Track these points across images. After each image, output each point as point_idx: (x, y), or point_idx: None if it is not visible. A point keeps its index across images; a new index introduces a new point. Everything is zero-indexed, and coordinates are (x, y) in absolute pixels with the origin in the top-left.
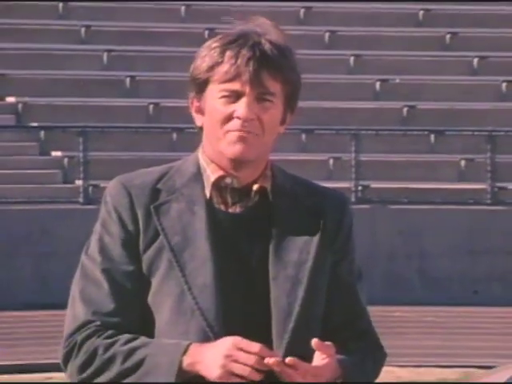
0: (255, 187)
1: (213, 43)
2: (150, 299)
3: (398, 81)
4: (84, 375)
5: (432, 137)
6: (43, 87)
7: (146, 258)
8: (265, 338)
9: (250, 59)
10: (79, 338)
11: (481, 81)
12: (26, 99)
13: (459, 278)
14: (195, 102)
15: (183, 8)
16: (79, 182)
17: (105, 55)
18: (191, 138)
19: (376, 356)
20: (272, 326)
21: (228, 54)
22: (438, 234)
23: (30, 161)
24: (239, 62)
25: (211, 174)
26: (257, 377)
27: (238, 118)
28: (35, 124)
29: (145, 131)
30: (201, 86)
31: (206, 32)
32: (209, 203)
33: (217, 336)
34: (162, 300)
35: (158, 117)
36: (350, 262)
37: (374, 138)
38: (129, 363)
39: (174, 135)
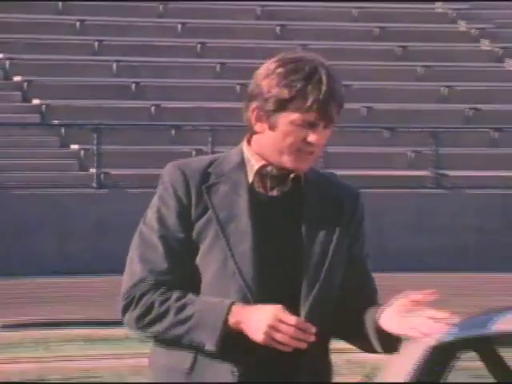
0: (292, 175)
1: (292, 75)
2: (197, 262)
3: (358, 87)
4: (141, 324)
5: (386, 133)
6: (63, 91)
7: (196, 228)
8: (292, 299)
9: (325, 93)
10: (138, 293)
11: (426, 86)
12: (49, 101)
13: (409, 249)
14: (259, 112)
15: (179, 26)
16: (93, 170)
17: (114, 65)
18: (187, 134)
19: None
20: (300, 289)
21: (310, 88)
22: (392, 213)
23: (52, 153)
24: (319, 97)
25: (255, 163)
26: (293, 345)
27: (313, 144)
28: (56, 122)
29: (148, 128)
30: (274, 107)
31: (199, 46)
32: (250, 187)
33: (253, 295)
34: (208, 264)
35: (159, 116)
36: (361, 244)
37: (340, 133)
38: (180, 317)
39: (173, 131)
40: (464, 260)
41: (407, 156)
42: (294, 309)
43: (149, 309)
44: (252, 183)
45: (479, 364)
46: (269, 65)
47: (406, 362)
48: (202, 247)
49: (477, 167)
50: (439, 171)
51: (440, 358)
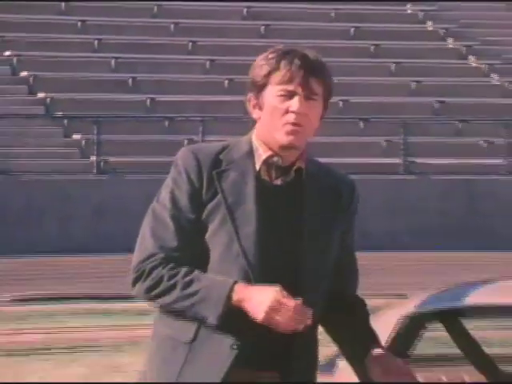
0: (295, 167)
1: (269, 55)
2: (205, 242)
3: (336, 81)
4: (149, 295)
5: (361, 123)
6: (66, 85)
7: (206, 210)
8: (291, 281)
9: (301, 66)
10: (148, 266)
11: (397, 81)
12: (53, 95)
13: (382, 230)
14: (253, 100)
15: (172, 25)
16: (93, 158)
17: (112, 61)
18: (180, 125)
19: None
20: (299, 272)
21: (283, 62)
22: (367, 197)
23: (56, 142)
24: (293, 68)
25: (263, 153)
26: (290, 327)
27: (293, 111)
28: (60, 114)
29: (143, 120)
30: (260, 87)
31: (190, 44)
32: (257, 175)
33: (255, 276)
34: (215, 244)
35: (154, 108)
36: (352, 233)
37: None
38: (186, 291)
39: (166, 122)
40: (430, 240)
41: (380, 145)
42: (292, 290)
43: (158, 282)
44: (259, 171)
45: (444, 333)
46: (258, 59)
47: (381, 330)
48: (210, 228)
49: (443, 155)
50: (409, 159)
51: (411, 328)
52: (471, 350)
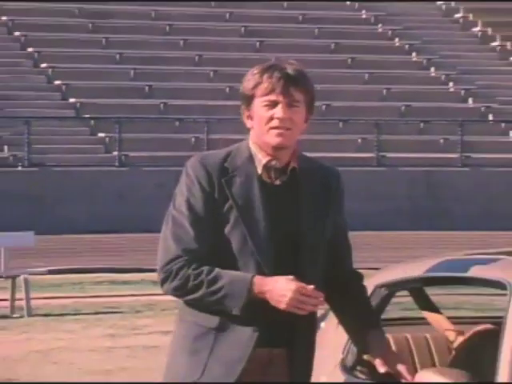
0: (290, 167)
1: (254, 71)
2: (221, 242)
3: (319, 88)
4: (178, 293)
5: (340, 124)
6: (93, 92)
7: (219, 214)
8: (298, 268)
9: (280, 78)
10: (174, 267)
11: (370, 88)
12: (82, 100)
13: (358, 213)
14: (246, 112)
15: (182, 42)
16: (115, 153)
17: (132, 72)
18: (187, 126)
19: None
20: (303, 260)
21: (265, 76)
22: (345, 186)
23: (84, 139)
24: (274, 80)
25: (262, 158)
26: (309, 309)
27: (277, 118)
28: (87, 116)
29: (157, 120)
30: (249, 99)
31: (196, 57)
32: (259, 178)
33: (269, 269)
34: (231, 243)
35: (166, 111)
36: (343, 215)
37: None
38: (212, 288)
39: (177, 123)
40: (398, 221)
41: (356, 142)
42: (299, 276)
43: (185, 282)
44: (260, 175)
45: (409, 299)
46: (246, 75)
47: None
48: (226, 229)
49: (408, 150)
50: (380, 153)
51: (383, 295)
52: (431, 313)
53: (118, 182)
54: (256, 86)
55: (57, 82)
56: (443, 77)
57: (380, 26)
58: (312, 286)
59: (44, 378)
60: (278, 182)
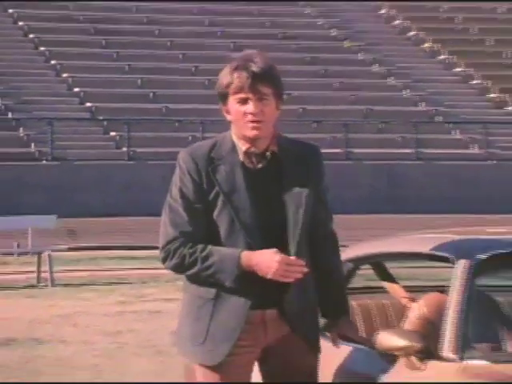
0: (268, 152)
1: (225, 70)
2: (212, 224)
3: (296, 94)
4: (177, 270)
5: (315, 124)
6: (106, 97)
7: (208, 200)
8: (284, 242)
9: (248, 77)
10: (172, 247)
11: (339, 94)
12: (97, 104)
13: (330, 200)
14: (224, 107)
15: (181, 55)
16: (125, 149)
17: (139, 81)
18: (186, 126)
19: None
20: (287, 231)
21: (235, 75)
22: None
23: (98, 137)
24: (242, 79)
25: (242, 147)
26: (294, 276)
27: (250, 113)
28: (101, 118)
29: (160, 122)
30: (224, 97)
31: (193, 68)
32: (242, 164)
33: (256, 244)
34: (220, 224)
35: (168, 114)
36: (322, 187)
37: (284, 125)
38: (205, 264)
39: (177, 124)
40: (362, 206)
41: (328, 140)
42: (284, 249)
43: (182, 260)
44: (243, 161)
45: (372, 271)
46: (220, 74)
47: None
48: (214, 213)
49: (371, 146)
50: (348, 149)
51: (350, 268)
52: (389, 283)
53: (126, 173)
54: (228, 85)
55: (76, 90)
56: (399, 85)
57: (345, 41)
58: (294, 257)
59: (65, 337)
60: (259, 166)
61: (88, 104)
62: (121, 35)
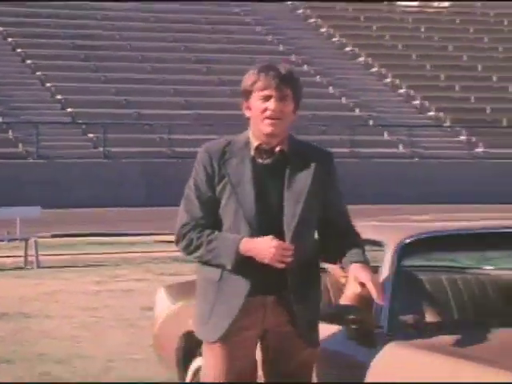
0: (277, 149)
1: (252, 70)
2: (220, 212)
3: None
4: (186, 252)
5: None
6: (84, 104)
7: (218, 189)
8: (281, 232)
9: (274, 76)
10: (183, 231)
11: (326, 100)
12: (77, 110)
13: None
14: (245, 104)
15: (149, 67)
16: (101, 149)
17: (113, 89)
18: (155, 129)
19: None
20: (283, 224)
21: (262, 74)
22: None
23: (77, 138)
24: (268, 78)
25: (255, 142)
26: (288, 262)
27: (270, 109)
28: (80, 121)
29: (132, 125)
30: (247, 94)
31: (161, 78)
32: (252, 159)
33: (256, 232)
34: (227, 212)
35: (139, 118)
36: (336, 189)
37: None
38: (209, 247)
39: (146, 127)
40: None
41: (311, 139)
42: (281, 237)
43: (190, 242)
44: (254, 156)
45: None
46: (246, 74)
47: None
48: (222, 202)
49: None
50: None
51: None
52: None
53: (103, 170)
54: (254, 83)
55: (58, 97)
56: (337, 93)
57: (293, 56)
58: (284, 243)
59: (49, 312)
60: (267, 161)
61: (69, 109)
62: (98, 50)
